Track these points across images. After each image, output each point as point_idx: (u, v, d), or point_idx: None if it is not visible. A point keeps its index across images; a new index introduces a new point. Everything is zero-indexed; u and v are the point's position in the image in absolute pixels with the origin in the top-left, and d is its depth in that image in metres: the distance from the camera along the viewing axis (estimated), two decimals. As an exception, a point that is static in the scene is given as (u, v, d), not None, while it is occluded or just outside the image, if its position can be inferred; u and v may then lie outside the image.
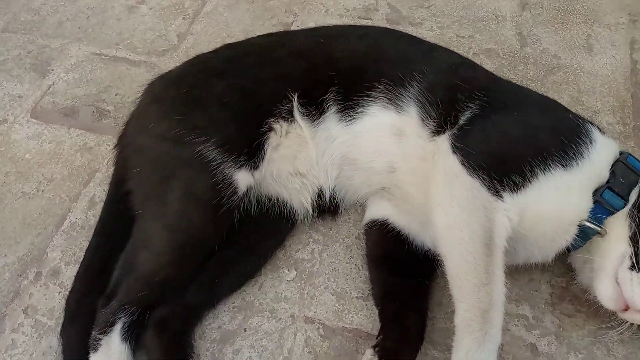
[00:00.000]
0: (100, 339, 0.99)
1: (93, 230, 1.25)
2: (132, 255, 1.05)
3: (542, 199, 0.97)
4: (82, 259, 1.14)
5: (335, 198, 1.20)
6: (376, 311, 1.11)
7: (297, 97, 1.12)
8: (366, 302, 1.14)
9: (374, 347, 1.02)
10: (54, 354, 1.08)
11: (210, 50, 1.32)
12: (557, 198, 0.98)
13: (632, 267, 0.94)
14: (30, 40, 1.68)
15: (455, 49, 1.58)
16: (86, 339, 1.01)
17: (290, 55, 1.18)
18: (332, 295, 1.15)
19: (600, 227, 0.98)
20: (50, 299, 1.16)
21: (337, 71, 1.13)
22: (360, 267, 1.19)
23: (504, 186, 0.96)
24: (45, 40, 1.68)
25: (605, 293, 0.96)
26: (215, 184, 1.02)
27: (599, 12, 1.72)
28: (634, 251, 0.94)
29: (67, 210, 1.30)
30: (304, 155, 1.15)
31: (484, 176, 0.96)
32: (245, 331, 1.11)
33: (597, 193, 0.99)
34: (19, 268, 1.21)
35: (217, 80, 1.13)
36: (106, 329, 0.99)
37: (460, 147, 1.00)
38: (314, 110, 1.13)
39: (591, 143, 1.01)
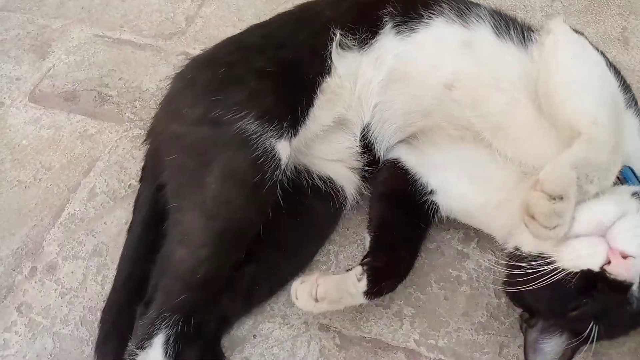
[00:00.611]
0: (136, 353, 0.90)
1: (93, 225, 1.18)
2: (169, 254, 0.96)
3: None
4: (116, 267, 1.06)
5: (373, 144, 1.12)
6: (399, 321, 1.04)
7: (341, 31, 1.06)
8: (386, 310, 1.06)
9: (362, 263, 0.98)
10: (49, 356, 1.02)
11: (220, 34, 1.23)
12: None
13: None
14: (30, 20, 1.59)
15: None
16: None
17: (328, 5, 1.12)
18: (349, 301, 1.06)
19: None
20: (46, 297, 1.09)
21: None
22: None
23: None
24: (46, 20, 1.59)
25: (595, 212, 0.87)
26: (256, 159, 0.94)
27: (635, 3, 1.62)
28: None
29: (65, 201, 1.22)
30: (340, 100, 1.08)
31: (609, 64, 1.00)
32: (254, 338, 1.03)
33: None
34: (13, 262, 1.14)
35: (256, 55, 1.06)
36: (144, 342, 0.90)
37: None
38: (365, 33, 1.06)
39: None
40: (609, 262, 0.79)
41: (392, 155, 1.13)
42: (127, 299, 1.00)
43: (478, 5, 1.09)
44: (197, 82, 1.07)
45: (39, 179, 1.26)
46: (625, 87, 1.01)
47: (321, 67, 1.05)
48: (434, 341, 1.02)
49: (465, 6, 1.07)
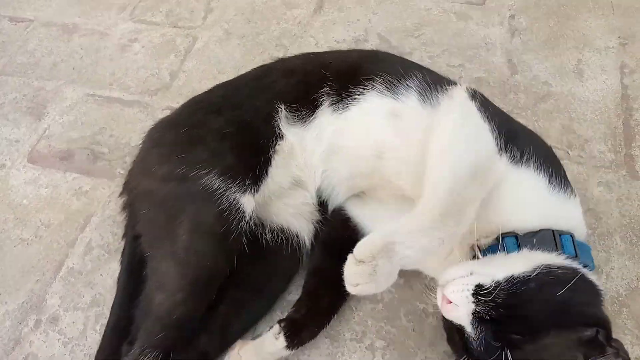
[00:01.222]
0: None
1: (90, 277, 1.28)
2: (149, 299, 1.07)
3: (519, 188, 1.01)
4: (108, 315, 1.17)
5: (326, 203, 1.23)
6: (371, 354, 1.14)
7: (285, 106, 1.16)
8: (359, 344, 1.15)
9: (280, 321, 1.09)
10: (54, 403, 1.11)
11: (202, 87, 1.35)
12: (527, 198, 1.02)
13: (479, 286, 0.91)
14: (26, 82, 1.71)
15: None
16: None
17: (282, 75, 1.22)
18: (326, 338, 1.16)
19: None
20: (50, 347, 1.19)
21: (330, 71, 1.18)
22: (354, 308, 1.20)
23: (506, 150, 1.01)
24: (41, 83, 1.71)
25: (449, 269, 0.96)
26: (222, 212, 1.04)
27: (589, 36, 1.73)
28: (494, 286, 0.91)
29: (64, 255, 1.32)
30: (294, 163, 1.19)
31: (495, 127, 1.03)
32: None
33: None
34: (19, 315, 1.23)
35: (215, 117, 1.17)
36: None
37: (480, 98, 1.09)
38: (305, 110, 1.16)
39: (570, 196, 1.05)
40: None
41: (339, 205, 1.22)
42: (116, 342, 1.10)
43: (411, 74, 1.16)
44: (163, 142, 1.18)
45: (40, 236, 1.36)
46: (524, 141, 1.06)
47: (274, 132, 1.15)
48: (404, 372, 1.12)
49: (397, 78, 1.14)
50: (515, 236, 0.99)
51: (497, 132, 1.03)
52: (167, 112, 1.47)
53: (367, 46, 1.73)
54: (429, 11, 1.84)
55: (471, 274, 0.92)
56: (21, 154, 1.53)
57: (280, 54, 1.72)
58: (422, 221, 0.93)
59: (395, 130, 1.12)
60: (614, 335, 0.88)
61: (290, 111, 1.16)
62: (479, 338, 0.89)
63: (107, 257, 1.31)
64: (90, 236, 1.35)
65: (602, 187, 1.37)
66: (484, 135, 1.03)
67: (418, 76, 1.15)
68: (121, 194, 1.25)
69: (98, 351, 1.12)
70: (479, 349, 0.89)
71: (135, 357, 1.01)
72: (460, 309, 0.90)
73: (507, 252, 0.97)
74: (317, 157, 1.17)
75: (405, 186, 1.13)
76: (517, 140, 1.05)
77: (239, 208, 1.05)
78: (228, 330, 1.14)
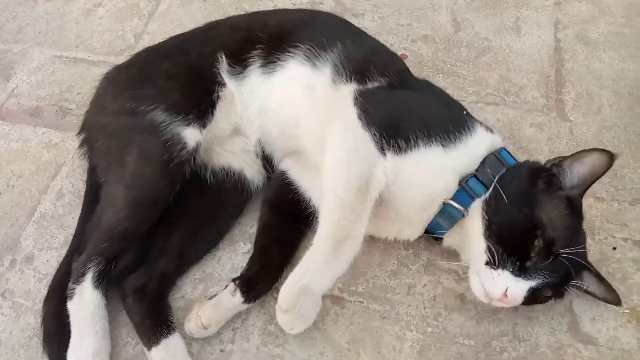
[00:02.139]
0: (74, 288, 1.12)
1: (62, 220, 1.36)
2: (98, 215, 1.20)
3: (417, 168, 1.10)
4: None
5: (270, 157, 1.33)
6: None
7: (226, 57, 1.28)
8: (315, 267, 1.26)
9: (235, 279, 1.19)
10: (32, 330, 1.19)
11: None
12: (429, 170, 1.11)
13: (487, 263, 1.06)
14: (-8, 46, 1.76)
15: (394, 36, 1.74)
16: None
17: (228, 29, 1.35)
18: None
19: (462, 209, 1.11)
20: (26, 282, 1.27)
21: (266, 33, 1.29)
22: (309, 237, 1.31)
23: (390, 146, 1.09)
24: (7, 46, 1.76)
25: (474, 289, 1.09)
26: (165, 142, 1.16)
27: (524, -5, 1.87)
28: (488, 245, 1.06)
29: (37, 202, 1.40)
30: (235, 111, 1.30)
31: (375, 132, 1.10)
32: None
33: (464, 180, 1.12)
34: (-6, 258, 1.31)
35: (164, 61, 1.30)
36: (79, 279, 1.13)
37: (362, 103, 1.14)
38: (240, 66, 1.28)
39: (471, 134, 1.14)
40: None
41: (281, 167, 1.32)
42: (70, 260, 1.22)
43: (333, 45, 1.24)
44: (116, 81, 1.31)
45: (12, 186, 1.43)
46: (407, 126, 1.11)
47: (216, 79, 1.28)
48: (354, 288, 1.23)
49: (319, 48, 1.24)
50: (474, 176, 1.12)
51: (377, 135, 1.10)
52: (132, 70, 1.54)
53: (322, 9, 1.83)
54: (380, -24, 1.95)
55: (478, 272, 1.08)
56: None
57: (240, 15, 1.80)
58: (322, 255, 1.05)
59: (309, 102, 1.24)
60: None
61: (229, 64, 1.29)
62: (541, 275, 1.03)
63: (77, 202, 1.38)
64: (61, 184, 1.43)
65: (534, 128, 1.51)
66: (364, 146, 1.10)
67: (339, 48, 1.24)
68: (79, 132, 1.36)
69: (59, 267, 1.24)
70: (552, 277, 1.03)
71: (82, 262, 1.14)
72: (511, 286, 1.03)
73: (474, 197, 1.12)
74: (252, 111, 1.29)
75: (317, 159, 1.21)
76: (399, 130, 1.11)
77: (181, 139, 1.18)
78: (185, 255, 1.25)
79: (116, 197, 1.18)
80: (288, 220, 1.28)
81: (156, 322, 1.14)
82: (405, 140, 1.09)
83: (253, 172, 1.34)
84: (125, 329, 1.19)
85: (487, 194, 1.10)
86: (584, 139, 1.48)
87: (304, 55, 1.25)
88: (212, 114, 1.24)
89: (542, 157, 1.43)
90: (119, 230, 1.15)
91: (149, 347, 1.12)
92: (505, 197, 1.06)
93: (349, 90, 1.18)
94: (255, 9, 1.84)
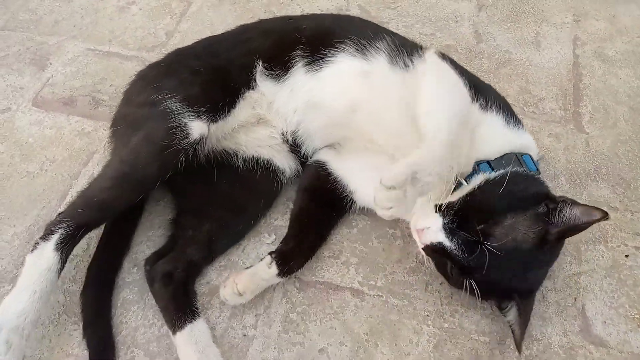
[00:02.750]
0: (39, 243, 1.15)
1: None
2: (87, 184, 1.27)
3: (487, 128, 1.20)
4: None
5: (300, 145, 1.38)
6: (346, 268, 1.30)
7: (262, 63, 1.32)
8: (336, 260, 1.31)
9: (271, 252, 1.24)
10: (61, 307, 1.23)
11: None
12: (491, 132, 1.21)
13: (437, 205, 1.09)
14: (29, 37, 1.83)
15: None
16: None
17: (260, 34, 1.39)
18: (307, 255, 1.31)
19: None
20: (56, 263, 1.31)
21: (303, 35, 1.33)
22: (331, 232, 1.35)
23: (477, 99, 1.22)
24: (43, 38, 1.83)
25: (408, 207, 1.12)
26: (170, 129, 1.20)
27: (547, 13, 1.93)
28: (457, 201, 1.09)
29: (68, 187, 1.45)
30: (260, 108, 1.35)
31: (466, 81, 1.23)
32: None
33: (477, 163, 1.18)
34: (26, 236, 1.35)
35: (192, 60, 1.36)
36: (46, 236, 1.15)
37: (448, 58, 1.28)
38: (280, 69, 1.32)
39: (521, 126, 1.27)
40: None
41: (319, 157, 1.37)
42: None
43: (381, 37, 1.31)
44: (145, 76, 1.40)
45: (45, 170, 1.48)
46: (485, 92, 1.26)
47: (247, 82, 1.32)
48: (374, 282, 1.27)
49: (367, 41, 1.30)
50: (488, 162, 1.17)
51: (467, 85, 1.23)
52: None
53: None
54: (405, -14, 2.01)
55: (426, 202, 1.12)
56: (26, 99, 1.64)
57: (268, 18, 1.87)
58: (436, 152, 1.10)
59: (367, 87, 1.29)
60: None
61: (266, 68, 1.33)
62: (457, 245, 1.04)
63: (108, 188, 1.44)
64: (93, 170, 1.48)
65: (552, 137, 1.56)
66: (461, 87, 1.22)
67: (387, 40, 1.32)
68: (110, 126, 1.43)
69: (94, 255, 1.30)
70: (462, 255, 1.04)
71: (54, 222, 1.17)
72: (431, 227, 1.07)
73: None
74: (290, 109, 1.34)
75: (378, 137, 1.29)
76: (481, 91, 1.25)
77: (185, 129, 1.21)
78: (213, 245, 1.29)
79: (108, 169, 1.25)
80: (323, 207, 1.33)
81: (181, 307, 1.19)
82: (486, 100, 1.21)
83: (283, 161, 1.39)
84: (151, 311, 1.23)
85: (494, 174, 1.13)
86: (599, 150, 1.53)
87: (354, 48, 1.30)
88: (229, 112, 1.30)
89: (559, 166, 1.49)
90: (97, 200, 1.18)
91: (174, 332, 1.17)
92: (504, 187, 1.07)
93: (430, 54, 1.28)
94: (284, 12, 1.90)
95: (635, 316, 1.22)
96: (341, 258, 1.31)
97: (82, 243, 1.31)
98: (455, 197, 1.12)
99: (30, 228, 1.37)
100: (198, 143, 1.23)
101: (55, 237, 1.14)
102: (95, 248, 1.30)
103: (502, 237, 1.02)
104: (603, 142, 1.55)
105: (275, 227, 1.37)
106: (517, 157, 1.17)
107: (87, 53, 1.78)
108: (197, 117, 1.23)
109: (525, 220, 1.04)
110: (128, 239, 1.34)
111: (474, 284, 1.06)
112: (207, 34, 1.79)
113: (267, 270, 1.21)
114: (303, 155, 1.39)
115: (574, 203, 1.04)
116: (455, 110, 1.17)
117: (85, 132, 1.57)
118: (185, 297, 1.22)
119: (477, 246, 1.03)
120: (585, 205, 1.04)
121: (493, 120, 1.23)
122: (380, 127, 1.28)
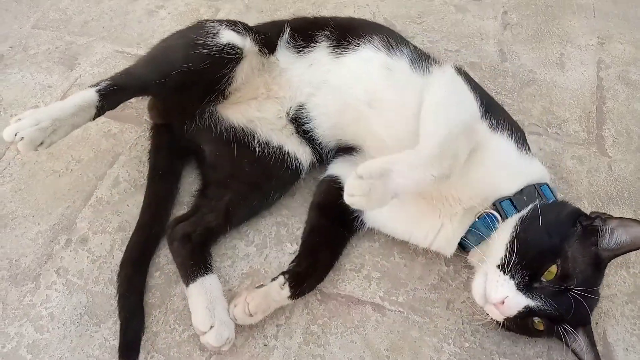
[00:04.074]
0: (86, 89, 1.26)
1: (117, 206, 1.41)
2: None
3: (495, 151, 1.19)
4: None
5: (307, 127, 1.41)
6: (367, 282, 1.30)
7: (290, 30, 1.43)
8: (357, 274, 1.31)
9: (284, 273, 1.24)
10: (83, 308, 1.24)
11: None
12: (503, 160, 1.20)
13: (499, 266, 1.08)
14: (58, 37, 1.84)
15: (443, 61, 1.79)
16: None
17: (296, 16, 1.55)
18: (329, 268, 1.32)
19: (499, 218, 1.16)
20: (80, 262, 1.32)
21: (331, 25, 1.41)
22: (354, 245, 1.36)
23: (486, 117, 1.20)
24: (72, 37, 1.84)
25: (475, 287, 1.12)
26: (202, 29, 1.35)
27: (572, 34, 1.93)
28: (506, 253, 1.08)
29: (93, 187, 1.46)
30: (274, 75, 1.43)
31: (478, 97, 1.23)
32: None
33: (498, 201, 1.17)
34: (51, 235, 1.36)
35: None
36: (92, 86, 1.27)
37: (464, 73, 1.30)
38: (303, 41, 1.41)
39: (532, 155, 1.27)
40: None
41: (333, 172, 1.39)
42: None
43: (405, 43, 1.38)
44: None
45: (71, 169, 1.50)
46: (497, 113, 1.26)
47: (273, 44, 1.42)
48: (395, 298, 1.28)
49: (393, 41, 1.34)
50: (509, 199, 1.17)
51: (479, 101, 1.22)
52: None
53: (374, 28, 1.91)
54: (431, 2, 2.03)
55: (486, 273, 1.10)
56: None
57: (295, 28, 1.88)
58: (421, 156, 1.09)
59: (388, 82, 1.31)
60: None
61: (291, 37, 1.41)
62: (543, 300, 1.04)
63: (133, 191, 1.45)
64: (118, 172, 1.49)
65: (574, 160, 1.56)
66: (471, 101, 1.22)
67: (410, 47, 1.36)
68: None
69: (129, 242, 1.33)
70: (552, 307, 1.04)
71: (104, 80, 1.29)
72: (510, 296, 1.05)
73: (502, 219, 1.16)
74: (306, 80, 1.39)
75: (388, 139, 1.28)
76: (493, 110, 1.24)
77: (215, 33, 1.33)
78: (229, 215, 1.35)
79: (149, 53, 1.43)
80: (335, 225, 1.34)
81: (196, 262, 1.25)
82: (496, 121, 1.20)
83: (293, 148, 1.42)
84: (173, 316, 1.24)
85: (525, 211, 1.13)
86: (622, 175, 1.53)
87: (380, 43, 1.34)
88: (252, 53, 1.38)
89: (582, 188, 1.49)
90: (133, 71, 1.35)
91: (187, 284, 1.22)
92: (541, 220, 1.09)
93: (447, 66, 1.30)
94: (310, 23, 1.91)
95: (657, 344, 1.22)
96: (363, 272, 1.32)
97: (106, 244, 1.34)
98: (495, 250, 1.11)
99: (55, 227, 1.38)
100: (227, 53, 1.31)
101: (97, 87, 1.25)
102: (120, 249, 1.33)
103: (576, 274, 1.04)
104: (626, 166, 1.55)
105: (297, 237, 1.37)
106: (536, 189, 1.17)
107: (115, 55, 1.79)
108: (230, 29, 1.35)
109: (577, 245, 1.06)
110: (167, 210, 1.40)
111: (567, 326, 1.06)
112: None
113: (280, 292, 1.21)
114: (310, 138, 1.42)
115: (610, 218, 1.07)
116: (456, 121, 1.15)
117: (112, 133, 1.58)
118: (201, 255, 1.27)
119: (564, 293, 1.03)
120: (625, 219, 1.08)
121: (504, 146, 1.20)
122: (393, 129, 1.28)
